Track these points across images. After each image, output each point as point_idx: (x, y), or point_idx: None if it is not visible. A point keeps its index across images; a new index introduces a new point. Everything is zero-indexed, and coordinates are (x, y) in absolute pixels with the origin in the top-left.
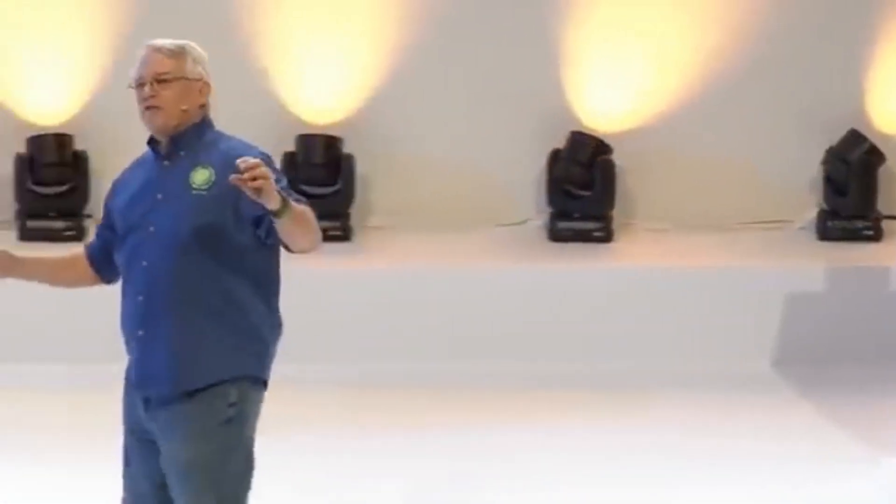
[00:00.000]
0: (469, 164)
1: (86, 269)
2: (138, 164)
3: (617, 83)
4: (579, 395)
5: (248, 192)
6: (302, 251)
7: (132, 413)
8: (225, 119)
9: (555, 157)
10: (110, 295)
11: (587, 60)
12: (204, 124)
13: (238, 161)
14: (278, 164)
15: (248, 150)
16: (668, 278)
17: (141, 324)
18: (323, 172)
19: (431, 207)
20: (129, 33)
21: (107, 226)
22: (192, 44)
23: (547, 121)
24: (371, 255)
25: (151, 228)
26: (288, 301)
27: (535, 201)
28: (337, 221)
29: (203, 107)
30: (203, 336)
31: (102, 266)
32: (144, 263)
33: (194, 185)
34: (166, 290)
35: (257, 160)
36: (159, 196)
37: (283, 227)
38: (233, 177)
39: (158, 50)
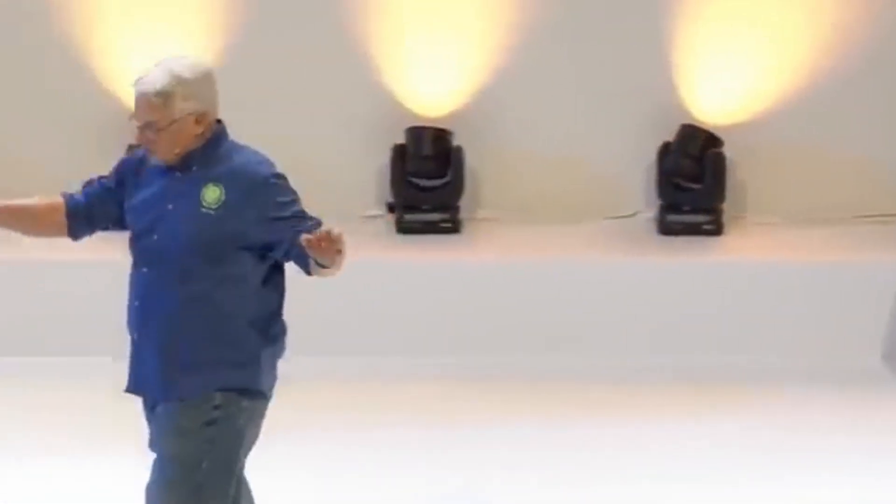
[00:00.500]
0: (579, 156)
1: (60, 219)
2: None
3: (728, 76)
4: (689, 389)
5: (314, 254)
6: (321, 277)
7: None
8: (337, 111)
9: (665, 149)
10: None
11: (698, 54)
12: (214, 141)
13: (322, 230)
14: (388, 157)
15: (260, 165)
16: (779, 272)
17: (136, 328)
18: (433, 165)
19: (541, 200)
20: (243, 32)
21: (102, 191)
22: (182, 73)
23: (657, 114)
24: (480, 247)
25: (155, 237)
26: (398, 293)
27: (644, 194)
28: (446, 214)
29: (203, 133)
30: (192, 348)
31: (80, 222)
32: (144, 270)
33: (204, 203)
34: (160, 299)
35: (340, 234)
36: (170, 206)
37: (320, 269)
38: (304, 239)
39: (144, 94)
